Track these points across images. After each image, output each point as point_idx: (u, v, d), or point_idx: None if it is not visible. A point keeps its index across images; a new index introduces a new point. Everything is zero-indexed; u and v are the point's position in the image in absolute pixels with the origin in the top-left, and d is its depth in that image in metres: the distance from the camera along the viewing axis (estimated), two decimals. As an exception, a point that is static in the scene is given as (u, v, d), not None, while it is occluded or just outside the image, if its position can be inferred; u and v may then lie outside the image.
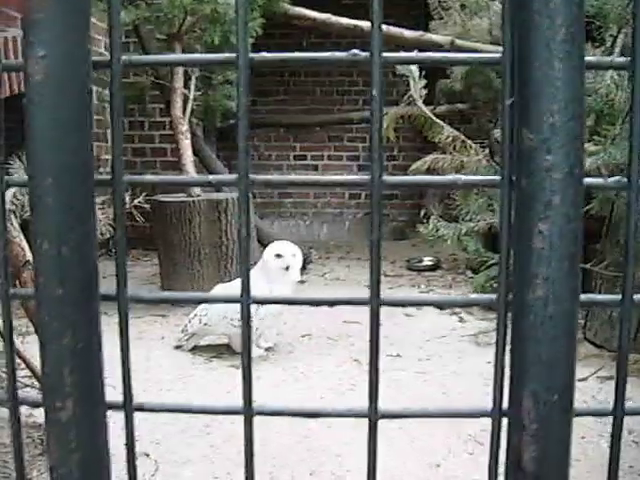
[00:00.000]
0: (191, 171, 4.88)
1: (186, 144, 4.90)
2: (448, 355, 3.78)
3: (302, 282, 4.46)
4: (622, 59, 0.45)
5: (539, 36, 0.40)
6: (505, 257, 0.46)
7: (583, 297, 0.46)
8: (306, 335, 4.12)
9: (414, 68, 3.78)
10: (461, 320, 4.48)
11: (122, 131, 0.47)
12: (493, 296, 0.48)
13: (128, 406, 0.51)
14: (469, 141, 4.11)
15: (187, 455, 2.54)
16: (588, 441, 2.64)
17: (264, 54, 0.45)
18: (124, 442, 0.56)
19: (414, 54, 0.49)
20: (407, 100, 4.98)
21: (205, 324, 3.66)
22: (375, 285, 0.50)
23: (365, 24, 5.29)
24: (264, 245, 4.22)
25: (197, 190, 4.89)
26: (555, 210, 0.41)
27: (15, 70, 0.47)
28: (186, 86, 5.04)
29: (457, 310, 4.67)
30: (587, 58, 0.42)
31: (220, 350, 3.81)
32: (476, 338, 3.98)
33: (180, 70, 4.94)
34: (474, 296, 0.50)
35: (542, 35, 0.40)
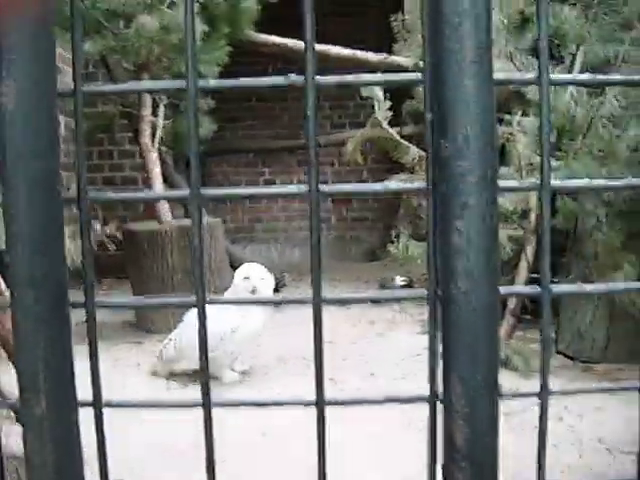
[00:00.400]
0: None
1: (156, 172, 4.93)
2: (423, 374, 3.80)
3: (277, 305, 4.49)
4: (532, 75, 0.50)
5: (451, 58, 0.45)
6: (432, 254, 0.51)
7: (502, 289, 0.51)
8: (281, 357, 4.14)
9: (378, 90, 3.85)
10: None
11: (84, 151, 0.51)
12: (425, 291, 0.52)
13: (97, 403, 0.55)
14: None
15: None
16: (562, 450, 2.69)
17: (212, 81, 0.49)
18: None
19: (344, 77, 0.54)
20: (373, 122, 5.06)
21: (180, 350, 3.68)
22: (317, 283, 0.54)
23: (332, 49, 5.37)
24: (235, 270, 4.24)
25: (168, 218, 4.91)
26: (471, 210, 0.47)
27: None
28: (154, 114, 5.07)
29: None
30: (496, 75, 0.47)
31: (195, 377, 3.82)
32: (448, 354, 4.02)
33: (148, 98, 4.97)
34: (408, 291, 0.55)
35: (454, 58, 0.45)
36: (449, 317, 0.50)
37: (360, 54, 5.46)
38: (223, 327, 3.60)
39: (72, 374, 0.54)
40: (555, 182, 0.52)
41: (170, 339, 3.73)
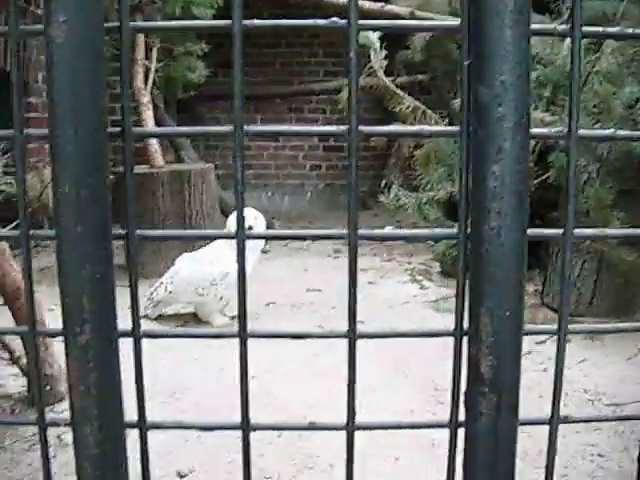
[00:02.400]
0: (154, 142, 4.89)
1: (148, 115, 4.91)
2: (410, 321, 3.87)
3: (265, 252, 4.51)
4: (564, 26, 0.52)
5: (492, 7, 0.47)
6: (465, 195, 0.53)
7: (530, 231, 0.53)
8: (270, 303, 4.18)
9: (375, 39, 3.83)
10: (422, 287, 4.58)
11: (127, 87, 0.52)
12: (455, 230, 0.55)
13: (137, 332, 0.57)
14: (429, 111, 4.17)
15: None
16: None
17: (256, 21, 0.50)
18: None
19: (383, 22, 0.55)
20: (367, 71, 5.03)
21: (171, 292, 3.71)
22: (353, 222, 0.56)
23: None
24: (227, 216, 4.26)
25: (161, 162, 4.90)
26: (506, 154, 0.49)
27: (35, 35, 0.52)
28: (147, 57, 5.03)
29: (418, 278, 4.77)
30: (532, 26, 0.48)
31: (185, 319, 3.86)
32: (436, 304, 4.08)
33: (141, 41, 4.92)
34: (438, 230, 0.57)
35: (494, 6, 0.47)
36: (480, 255, 0.52)
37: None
38: (214, 271, 3.63)
39: (114, 306, 0.55)
40: (583, 131, 0.53)
41: (161, 282, 3.76)
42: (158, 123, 5.49)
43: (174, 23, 0.53)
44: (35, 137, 0.58)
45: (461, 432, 0.62)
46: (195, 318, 3.84)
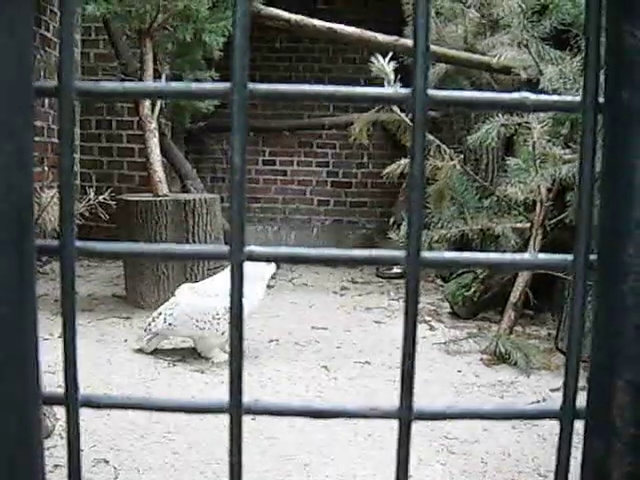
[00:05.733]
0: (159, 170, 4.76)
1: (154, 143, 4.78)
2: (418, 363, 3.63)
3: (270, 287, 4.35)
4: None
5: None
6: (588, 204, 0.35)
7: (541, 256, 0.37)
8: (273, 340, 4.02)
9: (389, 70, 3.71)
10: (431, 328, 4.41)
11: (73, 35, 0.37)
12: (569, 256, 0.37)
13: (71, 399, 0.39)
14: (444, 146, 4.05)
15: (148, 462, 2.43)
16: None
17: (262, 86, 0.35)
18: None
19: (454, 94, 0.39)
20: (380, 104, 4.92)
21: (170, 324, 3.55)
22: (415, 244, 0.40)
23: (338, 27, 5.24)
24: (232, 248, 4.12)
25: (164, 190, 4.77)
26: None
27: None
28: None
29: (427, 318, 4.61)
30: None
31: (184, 354, 3.70)
32: (446, 347, 3.91)
33: (150, 67, 4.82)
34: (543, 256, 0.39)
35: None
36: (615, 296, 0.34)
37: (369, 34, 5.30)
38: (217, 305, 3.48)
39: (36, 356, 0.36)
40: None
41: (159, 313, 3.59)
42: (164, 152, 5.38)
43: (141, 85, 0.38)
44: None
45: None
46: (193, 353, 3.67)
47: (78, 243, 0.36)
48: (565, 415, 0.39)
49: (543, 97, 0.37)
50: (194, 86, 0.36)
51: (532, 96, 0.37)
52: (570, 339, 0.37)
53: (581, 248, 0.36)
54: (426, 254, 0.39)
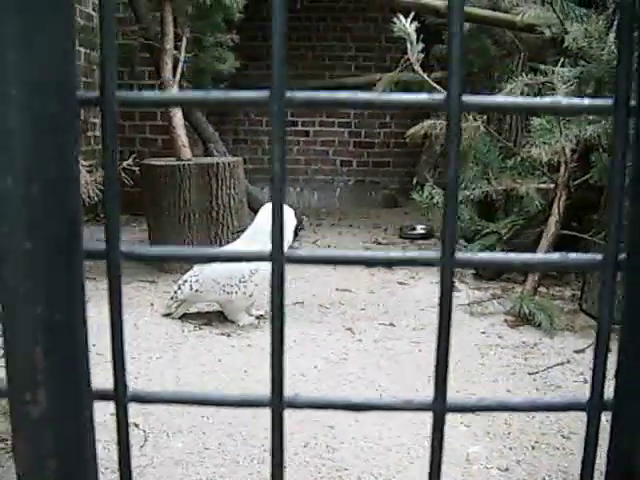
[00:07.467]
0: (182, 134, 4.77)
1: (176, 107, 4.78)
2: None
3: (293, 249, 4.38)
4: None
5: None
6: (617, 204, 0.36)
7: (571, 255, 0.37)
8: (298, 303, 4.05)
9: (412, 31, 3.67)
10: (455, 290, 4.41)
11: (114, 37, 0.38)
12: (598, 256, 0.38)
13: (121, 394, 0.40)
14: (467, 107, 4.01)
15: (178, 425, 2.48)
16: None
17: (299, 94, 0.36)
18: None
19: (488, 99, 0.39)
20: (403, 65, 4.88)
21: (196, 290, 3.58)
22: (450, 243, 0.41)
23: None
24: (255, 211, 4.14)
25: (188, 154, 4.78)
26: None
27: None
28: (176, 47, 4.91)
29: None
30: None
31: (210, 317, 3.74)
32: (470, 308, 3.92)
33: (170, 31, 4.81)
34: (573, 256, 0.40)
35: None
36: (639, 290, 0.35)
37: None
38: (243, 268, 3.51)
39: (86, 354, 0.38)
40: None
41: (185, 280, 3.63)
42: (186, 116, 5.38)
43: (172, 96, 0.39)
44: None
45: None
46: (219, 316, 3.71)
47: (124, 248, 0.37)
48: (592, 408, 0.39)
49: (575, 101, 0.38)
50: (233, 94, 0.37)
51: (564, 100, 0.37)
52: (598, 337, 0.38)
53: (612, 248, 0.37)
54: (460, 255, 0.40)
